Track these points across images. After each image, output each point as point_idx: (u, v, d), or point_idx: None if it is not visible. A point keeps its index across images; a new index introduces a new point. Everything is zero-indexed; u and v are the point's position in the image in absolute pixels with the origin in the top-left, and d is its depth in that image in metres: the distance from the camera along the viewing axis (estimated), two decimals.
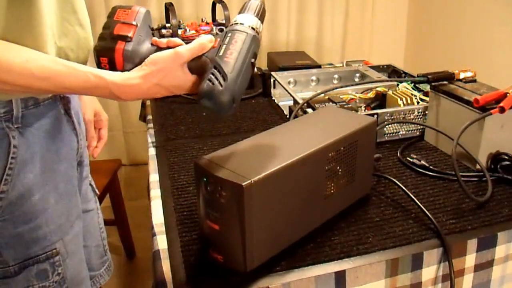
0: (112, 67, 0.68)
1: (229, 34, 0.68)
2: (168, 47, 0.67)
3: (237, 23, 0.68)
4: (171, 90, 0.67)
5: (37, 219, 0.74)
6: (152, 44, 0.69)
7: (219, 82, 0.64)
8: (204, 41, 0.67)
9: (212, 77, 0.64)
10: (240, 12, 0.70)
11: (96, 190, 1.02)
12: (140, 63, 0.66)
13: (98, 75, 0.64)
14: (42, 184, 0.74)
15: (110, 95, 0.65)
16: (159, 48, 0.68)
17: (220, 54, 0.66)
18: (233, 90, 0.64)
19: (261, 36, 0.70)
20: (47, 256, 0.76)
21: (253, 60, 0.68)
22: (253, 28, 0.68)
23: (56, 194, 0.76)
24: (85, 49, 0.78)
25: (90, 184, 0.99)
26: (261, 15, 0.70)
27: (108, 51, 0.68)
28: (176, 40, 0.68)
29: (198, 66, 0.67)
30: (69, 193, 0.80)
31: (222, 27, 1.57)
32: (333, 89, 1.24)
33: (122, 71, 0.67)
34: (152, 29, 0.73)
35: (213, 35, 0.69)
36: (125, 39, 0.67)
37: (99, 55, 0.69)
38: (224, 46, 0.67)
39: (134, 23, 0.69)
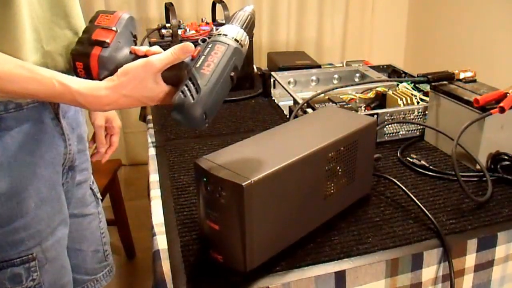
0: (88, 73, 0.66)
1: (210, 45, 0.65)
2: (146, 56, 0.65)
3: (220, 34, 0.66)
4: (143, 101, 0.65)
5: (14, 223, 0.72)
6: (130, 52, 0.67)
7: (191, 95, 0.61)
8: (178, 51, 0.64)
9: (185, 89, 0.62)
10: (227, 23, 0.67)
11: (98, 194, 1.00)
12: (116, 70, 0.64)
13: (63, 82, 0.62)
14: (21, 188, 0.72)
15: (77, 103, 0.63)
16: (137, 56, 0.66)
17: (197, 65, 0.63)
18: (205, 104, 0.61)
19: (246, 49, 0.67)
20: (22, 261, 0.74)
21: (232, 73, 0.65)
22: (236, 40, 0.65)
23: (37, 199, 0.74)
24: None
25: (91, 188, 0.97)
26: (249, 28, 0.67)
27: (84, 56, 0.66)
28: (156, 49, 0.66)
29: (174, 76, 0.65)
30: (52, 198, 0.78)
31: (220, 27, 1.57)
32: (333, 89, 1.24)
33: (98, 77, 0.65)
34: (135, 36, 0.72)
35: (195, 44, 0.66)
36: (102, 44, 0.66)
37: (75, 59, 0.67)
38: (202, 57, 0.64)
39: (114, 28, 0.67)
